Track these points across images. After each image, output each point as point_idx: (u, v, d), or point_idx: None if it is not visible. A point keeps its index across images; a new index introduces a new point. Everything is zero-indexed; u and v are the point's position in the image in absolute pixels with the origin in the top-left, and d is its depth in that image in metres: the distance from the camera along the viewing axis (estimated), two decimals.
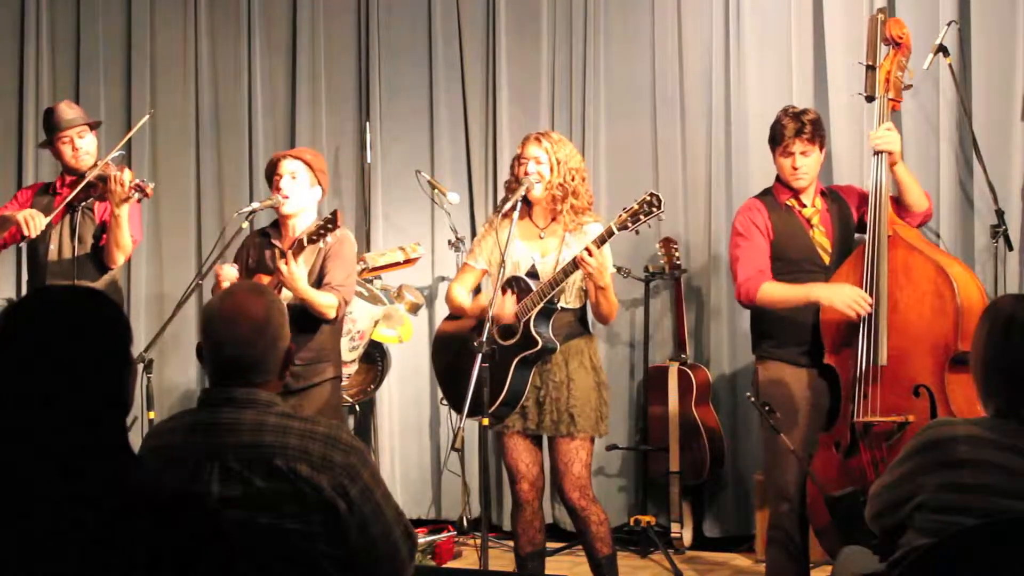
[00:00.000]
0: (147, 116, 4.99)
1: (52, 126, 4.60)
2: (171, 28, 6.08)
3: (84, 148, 4.57)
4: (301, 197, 4.15)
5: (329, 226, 3.90)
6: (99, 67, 6.11)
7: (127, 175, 4.34)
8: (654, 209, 3.60)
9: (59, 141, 4.59)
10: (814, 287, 3.71)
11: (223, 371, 2.29)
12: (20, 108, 6.18)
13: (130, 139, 5.97)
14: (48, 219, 4.44)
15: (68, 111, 4.62)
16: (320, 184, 4.20)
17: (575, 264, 3.70)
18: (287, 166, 4.14)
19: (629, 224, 3.65)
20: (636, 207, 3.63)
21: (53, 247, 4.52)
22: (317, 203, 4.25)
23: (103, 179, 4.42)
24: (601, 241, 3.69)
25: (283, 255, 3.94)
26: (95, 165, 4.54)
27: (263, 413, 2.24)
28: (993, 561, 2.12)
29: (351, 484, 2.22)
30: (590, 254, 3.65)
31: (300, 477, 2.18)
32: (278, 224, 4.24)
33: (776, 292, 3.77)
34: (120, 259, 4.50)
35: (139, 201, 4.46)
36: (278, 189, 4.13)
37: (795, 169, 3.84)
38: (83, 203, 4.52)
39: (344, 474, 2.21)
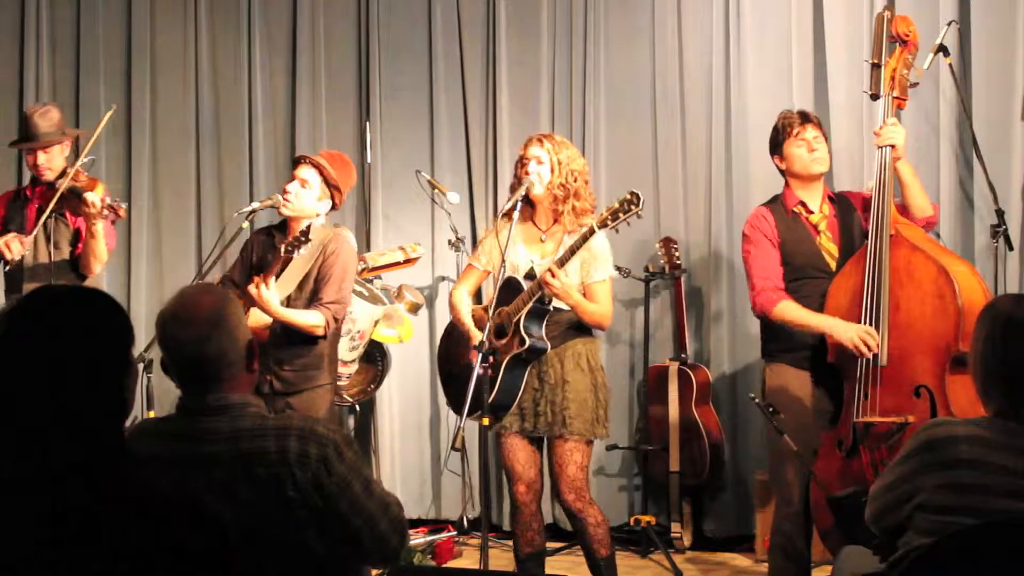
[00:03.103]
0: (111, 110, 4.82)
1: (21, 134, 4.62)
2: (171, 28, 6.07)
3: (44, 165, 4.54)
4: (304, 205, 4.08)
5: (302, 239, 3.84)
6: (99, 67, 6.10)
7: (98, 194, 4.31)
8: (633, 207, 3.65)
9: (25, 150, 4.63)
10: (827, 319, 3.66)
11: (189, 374, 2.28)
12: (20, 108, 6.16)
13: (129, 139, 6.03)
14: (28, 239, 4.47)
15: (41, 123, 4.53)
16: (332, 198, 4.12)
17: (539, 285, 3.72)
18: (304, 172, 4.09)
19: (609, 222, 3.68)
20: (616, 205, 3.68)
21: (28, 253, 4.53)
22: (325, 215, 4.15)
23: (75, 192, 4.38)
24: (562, 262, 3.71)
25: (262, 273, 3.89)
26: (65, 174, 4.49)
27: (237, 418, 2.22)
28: (993, 561, 2.12)
29: (327, 478, 2.19)
30: (552, 275, 3.68)
31: (282, 481, 2.16)
32: (284, 225, 4.20)
33: (794, 314, 3.73)
34: (97, 268, 4.56)
35: (113, 221, 4.48)
36: (286, 190, 4.11)
37: (812, 151, 3.82)
38: (55, 212, 4.51)
39: (319, 467, 2.18)
